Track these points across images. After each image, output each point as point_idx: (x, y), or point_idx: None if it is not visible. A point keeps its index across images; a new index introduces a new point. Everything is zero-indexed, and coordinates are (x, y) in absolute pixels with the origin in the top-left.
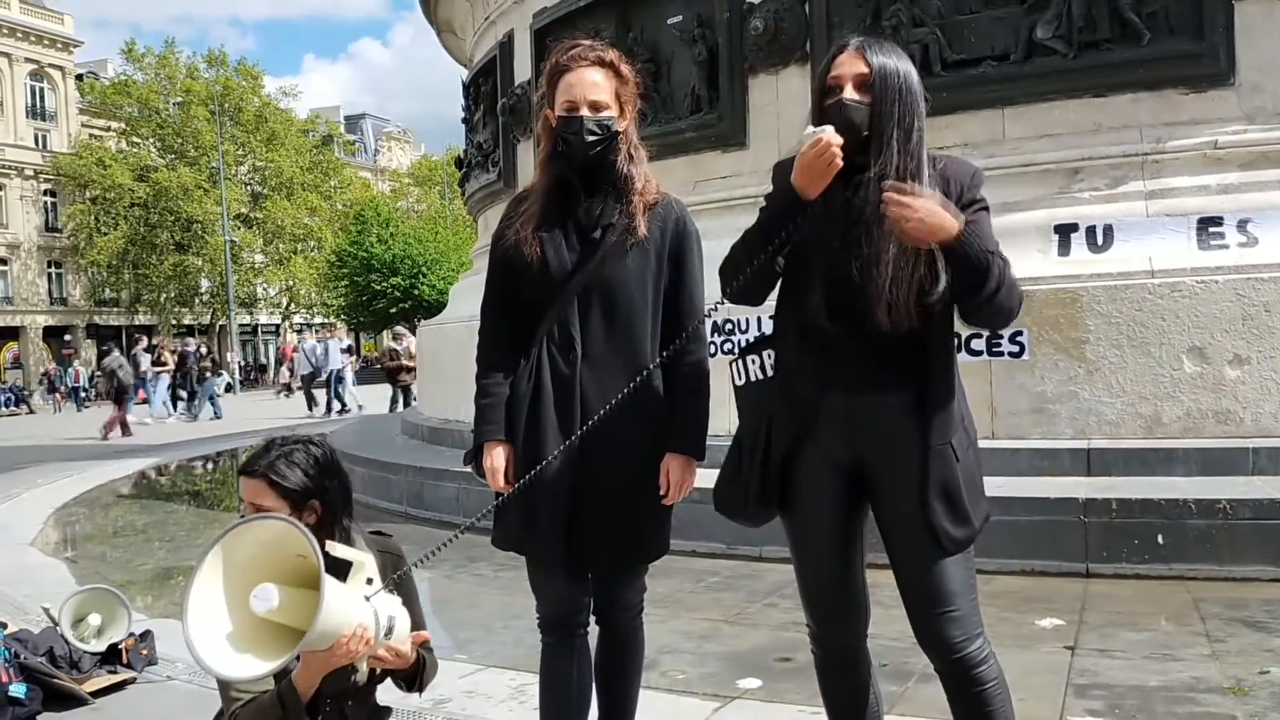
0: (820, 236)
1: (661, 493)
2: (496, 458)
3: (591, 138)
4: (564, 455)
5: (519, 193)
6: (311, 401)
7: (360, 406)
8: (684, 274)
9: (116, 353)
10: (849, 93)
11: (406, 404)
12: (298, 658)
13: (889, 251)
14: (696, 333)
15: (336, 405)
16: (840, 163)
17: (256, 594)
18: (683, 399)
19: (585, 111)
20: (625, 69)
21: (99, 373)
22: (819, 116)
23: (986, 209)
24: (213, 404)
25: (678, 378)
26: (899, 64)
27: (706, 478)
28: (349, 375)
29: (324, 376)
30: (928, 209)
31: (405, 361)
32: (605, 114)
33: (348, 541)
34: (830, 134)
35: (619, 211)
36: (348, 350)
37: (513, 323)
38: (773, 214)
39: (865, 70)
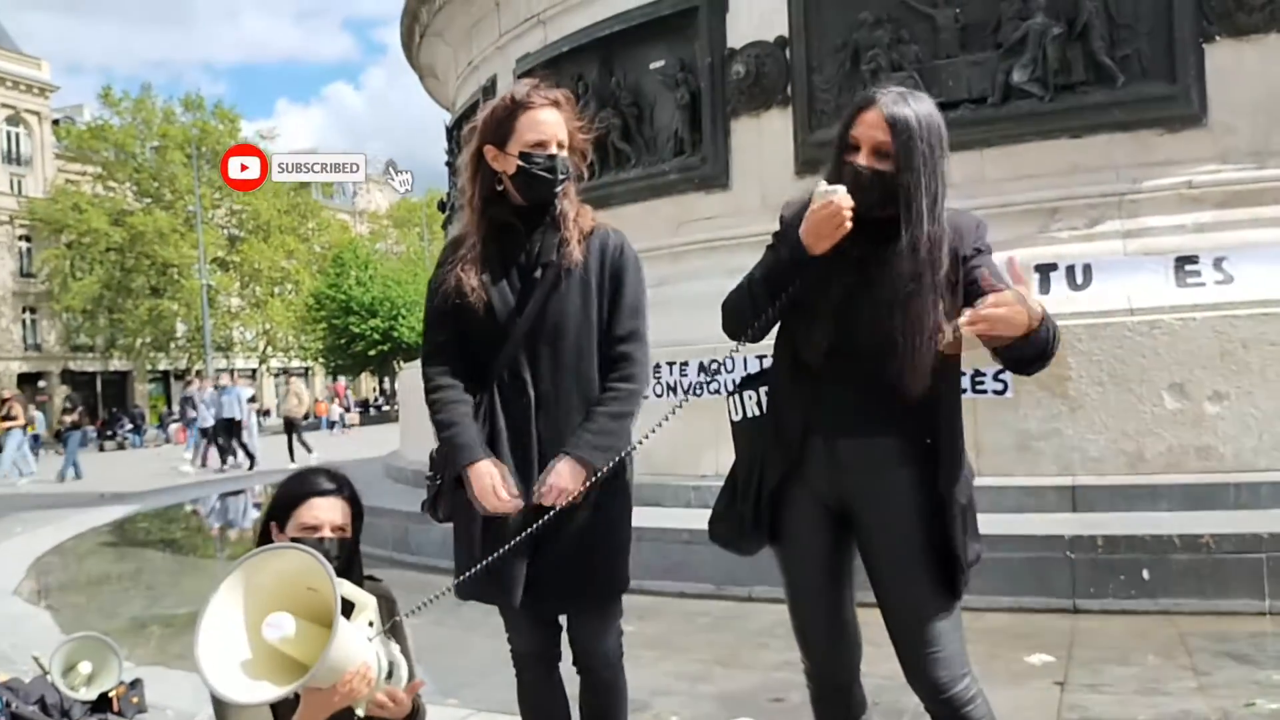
0: (824, 285)
1: (540, 490)
2: (484, 476)
3: (561, 175)
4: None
5: (454, 238)
6: (219, 454)
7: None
8: (619, 296)
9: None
10: (864, 159)
11: None
12: (295, 695)
13: (913, 321)
14: (633, 356)
15: (244, 458)
16: (849, 226)
17: (270, 622)
18: (601, 411)
19: (554, 149)
20: (571, 111)
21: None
22: (836, 171)
23: (989, 251)
24: (72, 464)
25: (605, 394)
26: (928, 121)
27: (692, 518)
28: (253, 425)
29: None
30: (1007, 315)
31: None
32: (562, 153)
33: (361, 572)
34: (842, 196)
35: (556, 247)
36: (251, 399)
37: (462, 364)
38: (779, 266)
39: (886, 139)
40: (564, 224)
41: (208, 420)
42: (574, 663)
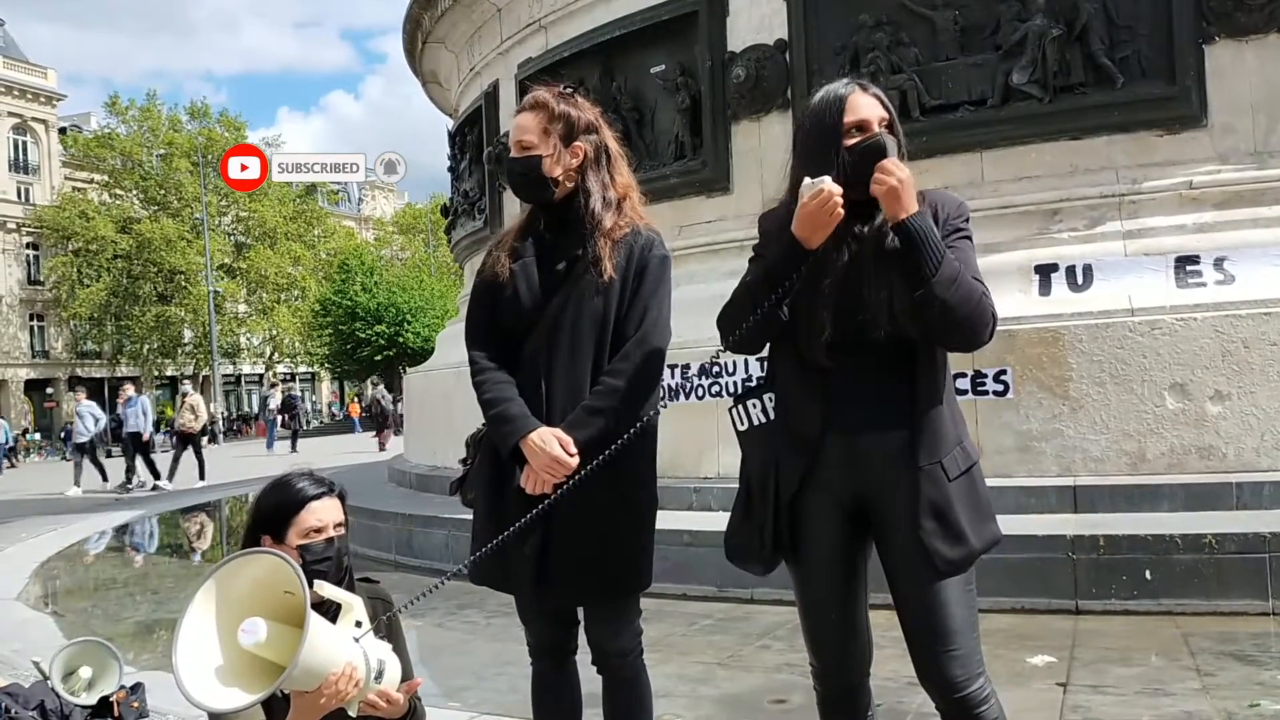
0: (823, 281)
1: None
2: (547, 439)
3: (516, 176)
4: (523, 494)
5: (508, 228)
6: (98, 472)
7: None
8: (640, 292)
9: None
10: (881, 130)
11: None
12: (285, 695)
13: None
14: (630, 354)
15: (148, 476)
16: (843, 212)
17: (244, 627)
18: (582, 404)
19: (514, 153)
20: (560, 107)
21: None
22: (828, 165)
23: (969, 238)
24: None
25: (593, 389)
26: None
27: (694, 520)
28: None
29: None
30: (909, 181)
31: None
32: (530, 154)
33: (351, 576)
34: (830, 184)
35: (584, 248)
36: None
37: (497, 347)
38: (777, 263)
39: (886, 114)
40: (596, 227)
41: (84, 435)
42: (593, 661)
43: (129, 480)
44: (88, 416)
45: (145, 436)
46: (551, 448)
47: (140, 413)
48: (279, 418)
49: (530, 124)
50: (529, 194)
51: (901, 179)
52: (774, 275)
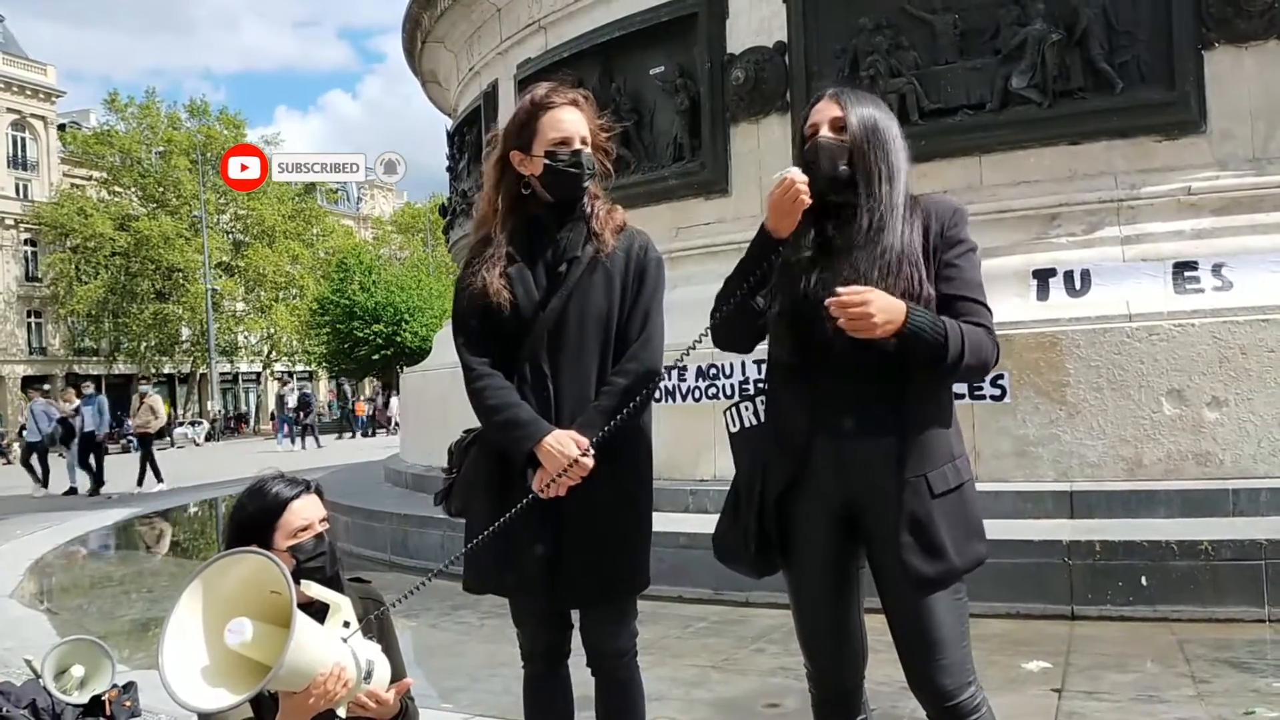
0: (793, 273)
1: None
2: (564, 440)
3: (588, 171)
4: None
5: (481, 237)
6: (37, 474)
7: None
8: (640, 295)
9: None
10: (824, 132)
11: None
12: (273, 695)
13: (872, 277)
14: (637, 356)
15: (84, 479)
16: (807, 199)
17: (230, 627)
18: (592, 406)
19: (578, 145)
20: (591, 109)
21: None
22: (799, 160)
23: (973, 249)
24: None
25: (601, 390)
26: (874, 110)
27: (690, 522)
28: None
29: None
30: (880, 304)
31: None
32: (589, 150)
33: (339, 578)
34: (795, 173)
35: (583, 242)
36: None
37: (492, 352)
38: (749, 254)
39: (839, 113)
40: (594, 221)
41: (36, 434)
42: (588, 663)
43: (100, 483)
44: (42, 416)
45: (99, 437)
46: (570, 450)
47: (97, 412)
48: (296, 414)
49: (581, 120)
50: (577, 189)
51: (867, 312)
52: (745, 265)
